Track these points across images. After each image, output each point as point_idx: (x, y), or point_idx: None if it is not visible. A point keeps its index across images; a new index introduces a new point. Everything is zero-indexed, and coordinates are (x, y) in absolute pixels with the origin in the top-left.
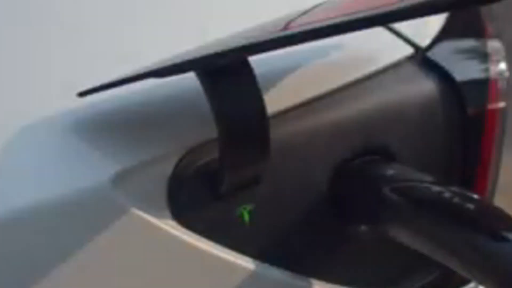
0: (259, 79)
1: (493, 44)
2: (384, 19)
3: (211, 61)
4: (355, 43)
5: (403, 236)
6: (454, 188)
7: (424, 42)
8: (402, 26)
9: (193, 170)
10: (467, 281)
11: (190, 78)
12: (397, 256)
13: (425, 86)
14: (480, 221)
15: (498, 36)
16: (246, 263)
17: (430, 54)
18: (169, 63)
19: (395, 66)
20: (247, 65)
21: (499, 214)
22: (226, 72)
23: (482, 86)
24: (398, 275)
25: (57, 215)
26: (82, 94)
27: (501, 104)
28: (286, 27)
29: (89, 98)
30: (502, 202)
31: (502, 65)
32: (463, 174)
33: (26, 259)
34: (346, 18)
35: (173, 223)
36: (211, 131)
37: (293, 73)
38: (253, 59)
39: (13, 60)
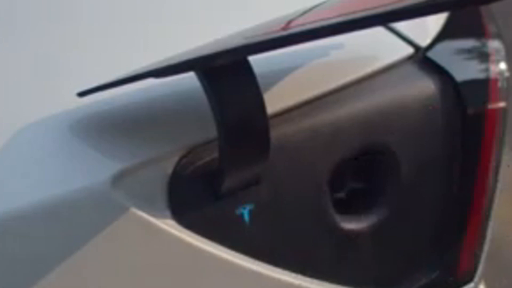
0: (259, 79)
1: (493, 44)
2: (384, 19)
3: (211, 61)
4: (355, 43)
5: None
6: None
7: (424, 42)
8: (402, 26)
9: (193, 170)
10: (467, 281)
11: (190, 78)
12: (397, 256)
13: (425, 86)
14: None
15: (498, 36)
16: (246, 263)
17: (430, 54)
18: (169, 63)
19: (395, 66)
20: (247, 65)
21: None
22: (226, 72)
23: (482, 86)
24: (398, 275)
25: (57, 214)
26: (82, 94)
27: (501, 104)
28: (286, 26)
29: (89, 98)
30: (503, 201)
31: (502, 65)
32: (463, 174)
33: (26, 258)
34: (346, 18)
35: (173, 223)
36: (211, 131)
37: (293, 73)
38: (253, 59)
39: (12, 60)
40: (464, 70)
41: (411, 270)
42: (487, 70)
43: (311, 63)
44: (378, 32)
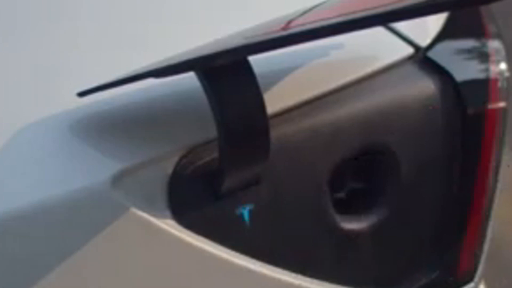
0: (259, 79)
1: (493, 44)
2: (384, 19)
3: (211, 61)
4: (355, 43)
5: None
6: None
7: (424, 42)
8: (402, 26)
9: (193, 170)
10: (467, 281)
11: (190, 78)
12: (397, 256)
13: (425, 86)
14: None
15: (498, 36)
16: (246, 263)
17: (430, 54)
18: (169, 63)
19: (395, 66)
20: (247, 65)
21: None
22: (226, 72)
23: (482, 86)
24: (398, 275)
25: (57, 214)
26: (82, 94)
27: (501, 104)
28: (286, 26)
29: (89, 98)
30: (503, 201)
31: (502, 65)
32: (463, 174)
33: (26, 258)
34: (346, 18)
35: (173, 223)
36: (211, 131)
37: (293, 73)
38: (253, 59)
39: (12, 60)
40: (464, 70)
41: (411, 270)
42: (487, 70)
43: (311, 63)
44: (378, 32)
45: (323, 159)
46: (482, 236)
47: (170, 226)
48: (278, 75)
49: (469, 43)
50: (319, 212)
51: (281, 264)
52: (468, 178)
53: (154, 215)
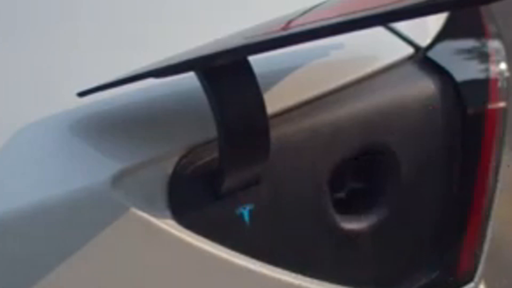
0: (259, 79)
1: (493, 44)
2: (384, 19)
3: (211, 61)
4: (355, 43)
5: None
6: None
7: (424, 42)
8: (402, 26)
9: (193, 170)
10: (467, 281)
11: (190, 78)
12: (397, 256)
13: (425, 86)
14: None
15: (498, 36)
16: (246, 263)
17: (430, 54)
18: (169, 63)
19: (395, 66)
20: (247, 65)
21: None
22: (226, 72)
23: (482, 86)
24: (398, 275)
25: (57, 214)
26: (82, 94)
27: (501, 104)
28: (286, 26)
29: (89, 98)
30: (503, 201)
31: (502, 65)
32: (463, 174)
33: (26, 258)
34: (346, 18)
35: (173, 223)
36: (211, 131)
37: (293, 73)
38: (253, 59)
39: (12, 60)
40: (464, 70)
41: (411, 270)
42: (487, 70)
43: (311, 63)
44: (378, 32)
45: (323, 159)
46: (482, 236)
47: (170, 226)
48: (278, 75)
49: (469, 43)
50: (319, 212)
51: (281, 264)
52: (468, 178)
53: (154, 215)
